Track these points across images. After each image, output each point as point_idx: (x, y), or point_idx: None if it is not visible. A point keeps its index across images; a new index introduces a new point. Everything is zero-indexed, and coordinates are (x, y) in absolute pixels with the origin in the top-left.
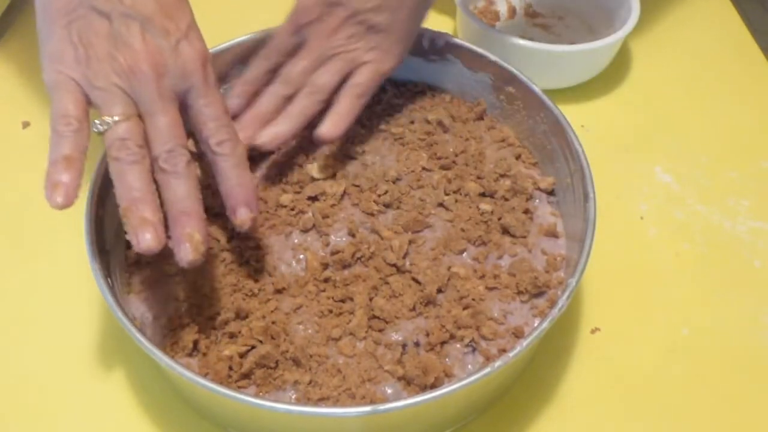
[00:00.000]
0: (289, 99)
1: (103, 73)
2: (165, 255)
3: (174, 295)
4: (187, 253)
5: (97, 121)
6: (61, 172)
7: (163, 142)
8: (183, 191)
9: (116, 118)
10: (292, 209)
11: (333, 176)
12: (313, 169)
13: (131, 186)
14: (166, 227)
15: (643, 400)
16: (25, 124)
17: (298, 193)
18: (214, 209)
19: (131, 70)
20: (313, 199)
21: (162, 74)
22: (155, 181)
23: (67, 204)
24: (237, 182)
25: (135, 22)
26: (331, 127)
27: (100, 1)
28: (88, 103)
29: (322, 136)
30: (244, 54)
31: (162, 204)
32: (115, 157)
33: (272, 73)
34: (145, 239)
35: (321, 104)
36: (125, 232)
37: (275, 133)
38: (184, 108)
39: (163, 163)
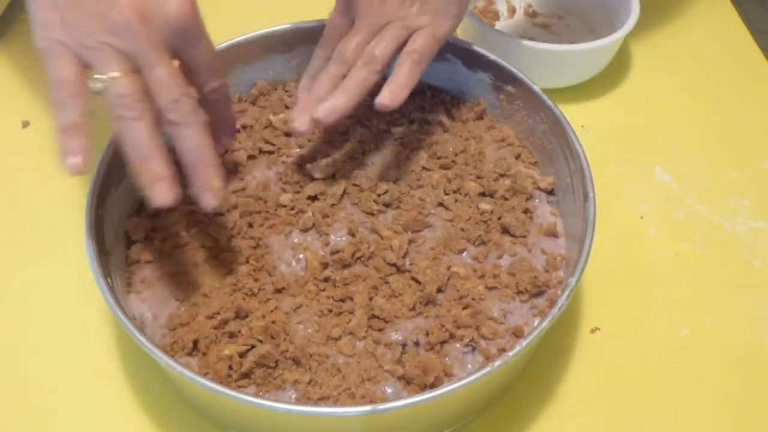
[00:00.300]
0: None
1: (92, 33)
2: (165, 254)
3: (174, 295)
4: (210, 200)
5: (92, 81)
6: (71, 138)
7: (167, 93)
8: (195, 140)
9: (114, 74)
10: (292, 209)
11: (333, 176)
12: (313, 169)
13: (139, 143)
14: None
15: (643, 400)
16: (25, 124)
17: (298, 192)
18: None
19: (119, 25)
20: (313, 198)
21: (150, 25)
22: (165, 133)
23: (85, 168)
24: (226, 116)
25: None
26: (390, 95)
27: None
28: (83, 65)
29: (383, 104)
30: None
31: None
32: (119, 116)
33: None
34: (161, 195)
35: (377, 74)
36: (138, 189)
37: (332, 106)
38: (175, 59)
39: (171, 114)
